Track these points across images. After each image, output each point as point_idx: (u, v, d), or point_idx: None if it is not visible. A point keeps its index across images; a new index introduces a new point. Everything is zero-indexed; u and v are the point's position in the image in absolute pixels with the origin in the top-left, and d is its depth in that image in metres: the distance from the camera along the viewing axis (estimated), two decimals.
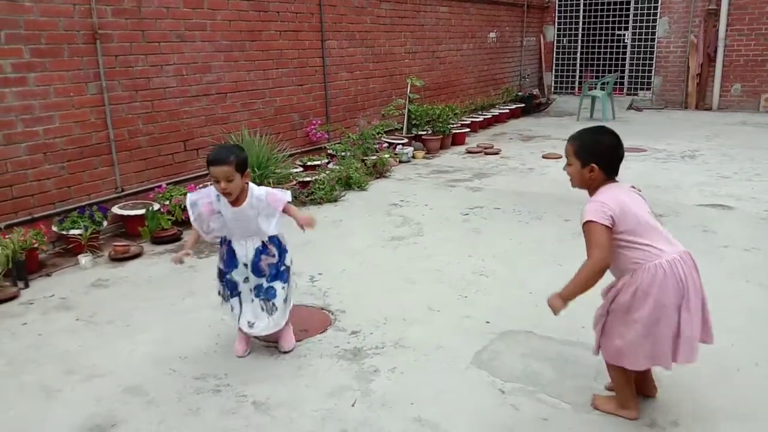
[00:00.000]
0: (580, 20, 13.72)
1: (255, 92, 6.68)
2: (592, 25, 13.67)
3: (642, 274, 2.39)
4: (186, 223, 5.34)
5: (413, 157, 8.28)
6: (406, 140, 8.53)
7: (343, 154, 7.23)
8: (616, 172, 2.50)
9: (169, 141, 5.79)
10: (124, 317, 3.75)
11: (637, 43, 13.11)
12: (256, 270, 3.11)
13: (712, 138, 9.14)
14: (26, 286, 4.20)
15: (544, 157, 8.22)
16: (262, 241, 3.11)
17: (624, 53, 13.34)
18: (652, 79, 13.02)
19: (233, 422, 2.68)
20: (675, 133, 9.75)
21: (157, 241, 5.10)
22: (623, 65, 13.37)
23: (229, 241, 3.14)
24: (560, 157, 8.13)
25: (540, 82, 14.22)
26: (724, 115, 11.48)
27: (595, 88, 11.67)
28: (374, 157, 7.28)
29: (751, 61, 11.85)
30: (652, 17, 12.73)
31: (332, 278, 4.25)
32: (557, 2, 13.83)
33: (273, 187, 5.70)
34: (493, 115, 11.21)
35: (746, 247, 4.62)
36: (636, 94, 13.28)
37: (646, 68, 13.09)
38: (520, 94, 12.83)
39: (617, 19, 13.26)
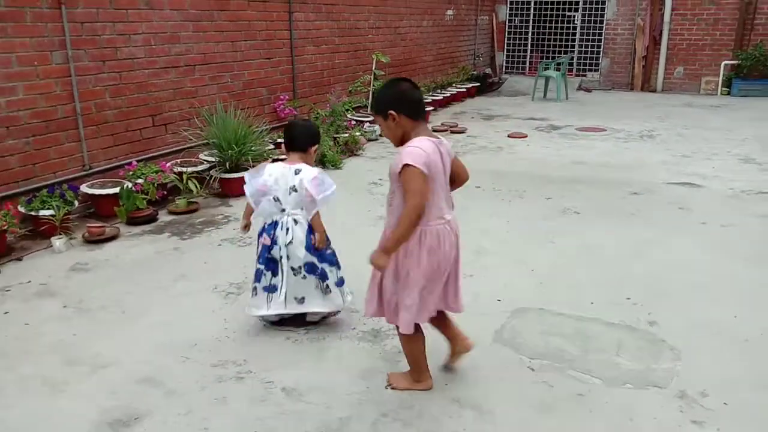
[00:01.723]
0: (532, 0, 13.87)
1: (224, 65, 6.38)
2: (543, 6, 13.85)
3: (429, 233, 2.43)
4: (160, 203, 5.10)
5: (381, 134, 8.18)
6: (372, 118, 8.41)
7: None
8: (420, 115, 2.47)
9: (137, 115, 5.46)
10: (116, 303, 3.52)
11: (586, 24, 13.40)
12: None
13: (665, 119, 9.49)
14: None
15: (509, 136, 8.29)
16: None
17: (574, 34, 13.61)
18: (600, 61, 13.36)
19: (266, 410, 2.56)
20: (628, 113, 10.07)
21: (133, 221, 4.81)
22: (573, 46, 13.65)
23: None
24: (525, 137, 8.25)
25: (492, 62, 14.33)
26: (669, 97, 11.95)
27: (549, 69, 11.87)
28: (346, 135, 7.13)
29: (693, 45, 12.36)
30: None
31: None
32: None
33: (254, 164, 5.52)
34: (451, 94, 11.22)
35: (723, 224, 4.82)
36: (585, 75, 13.60)
37: (595, 50, 13.41)
38: (474, 73, 12.89)
39: (568, 0, 13.49)
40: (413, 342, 2.64)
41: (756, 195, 5.54)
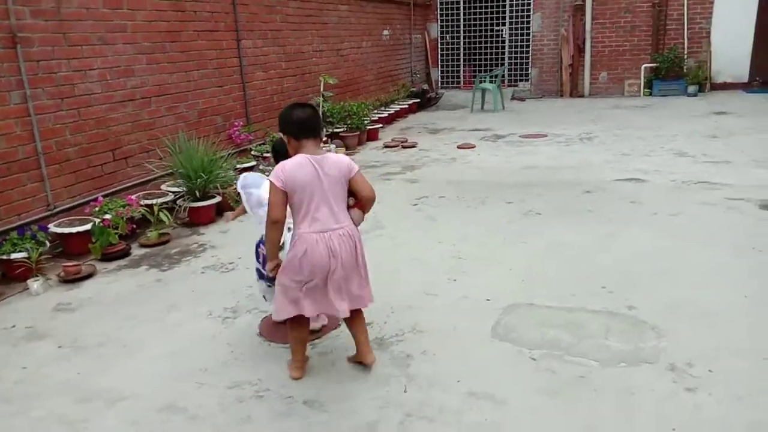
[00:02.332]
0: (461, 17, 14.44)
1: (178, 95, 6.38)
2: (472, 22, 14.44)
3: (299, 239, 2.74)
4: (129, 237, 5.04)
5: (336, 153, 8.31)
6: (324, 138, 8.54)
7: (268, 154, 7.10)
8: (301, 135, 2.76)
9: (97, 151, 5.38)
10: (112, 338, 3.48)
11: (514, 38, 14.06)
12: None
13: (598, 121, 10.08)
14: None
15: (459, 147, 8.61)
16: None
17: (503, 48, 14.25)
18: (530, 71, 14.04)
19: (293, 424, 2.64)
20: (564, 118, 10.63)
21: (107, 257, 4.74)
22: (503, 59, 14.27)
23: None
24: (474, 147, 8.59)
25: (428, 78, 14.77)
26: (597, 101, 12.68)
27: (486, 82, 12.37)
28: None
29: (614, 51, 13.19)
30: (526, 13, 13.72)
31: None
32: (438, 0, 14.45)
33: (222, 191, 5.53)
34: (395, 111, 11.51)
35: (671, 213, 5.23)
36: (516, 86, 14.24)
37: (524, 61, 14.08)
38: (413, 89, 13.27)
39: (495, 15, 14.13)
40: (292, 330, 2.93)
41: (695, 185, 6.02)
